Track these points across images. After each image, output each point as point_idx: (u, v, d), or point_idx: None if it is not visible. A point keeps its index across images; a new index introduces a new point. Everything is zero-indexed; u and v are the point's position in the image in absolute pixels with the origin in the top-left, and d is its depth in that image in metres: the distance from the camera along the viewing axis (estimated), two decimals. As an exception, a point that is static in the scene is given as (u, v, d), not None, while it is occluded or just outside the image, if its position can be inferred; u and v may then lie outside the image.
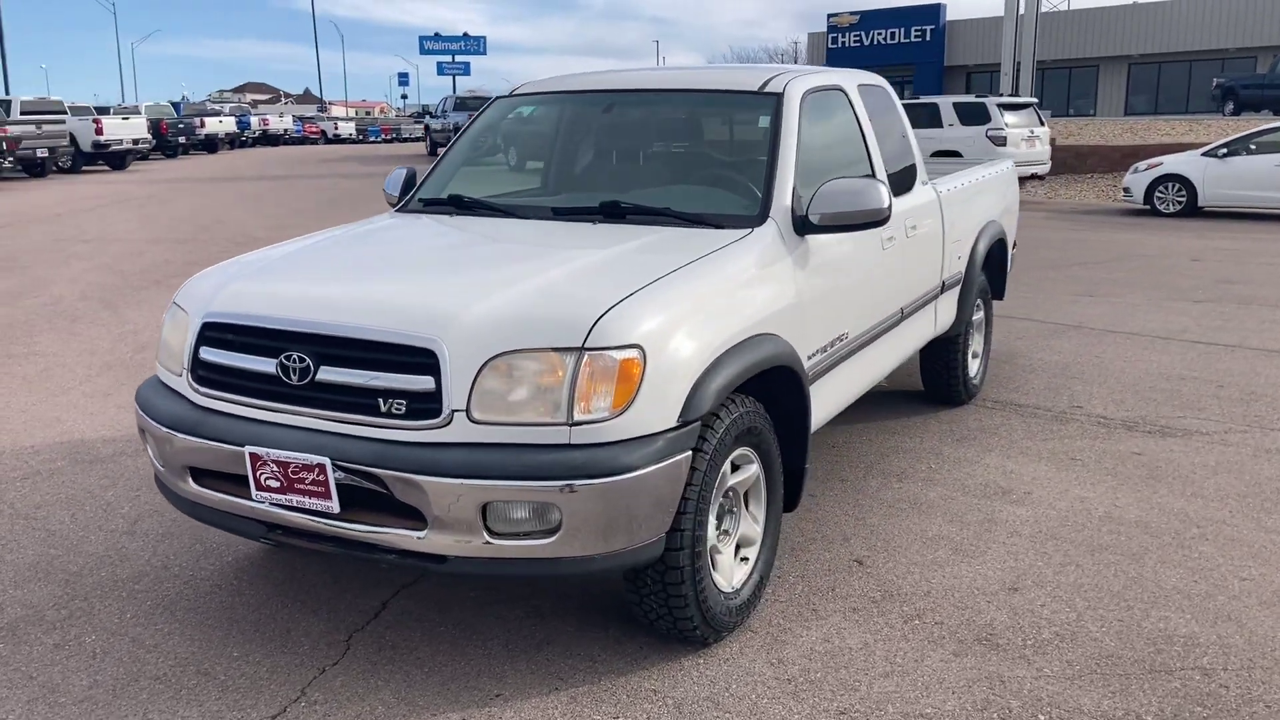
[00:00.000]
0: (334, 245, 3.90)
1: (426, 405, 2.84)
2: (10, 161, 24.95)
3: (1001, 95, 23.77)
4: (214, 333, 3.23)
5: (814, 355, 3.79)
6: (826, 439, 5.36)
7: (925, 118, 19.40)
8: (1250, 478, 4.78)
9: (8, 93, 38.05)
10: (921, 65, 45.38)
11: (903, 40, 46.02)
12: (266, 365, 3.05)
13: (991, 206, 6.18)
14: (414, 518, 2.86)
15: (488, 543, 2.83)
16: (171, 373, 3.40)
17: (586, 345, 2.82)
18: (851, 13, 47.51)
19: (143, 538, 4.22)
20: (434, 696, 3.06)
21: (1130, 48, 42.46)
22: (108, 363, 7.16)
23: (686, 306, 3.09)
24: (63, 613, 3.61)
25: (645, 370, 2.86)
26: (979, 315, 6.18)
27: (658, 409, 2.89)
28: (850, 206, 3.66)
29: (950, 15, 45.78)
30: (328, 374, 2.96)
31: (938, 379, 5.90)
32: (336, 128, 59.46)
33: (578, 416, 2.80)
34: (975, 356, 6.19)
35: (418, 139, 50.65)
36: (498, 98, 4.92)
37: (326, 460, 2.88)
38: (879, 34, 46.39)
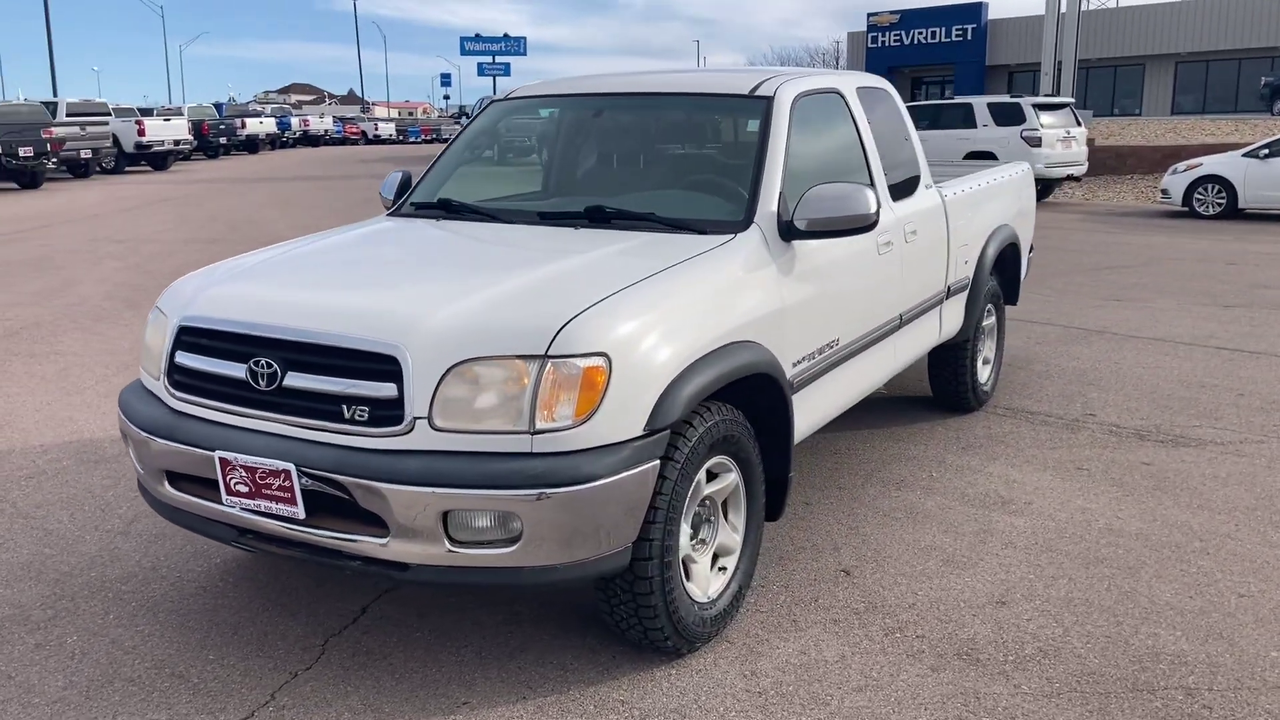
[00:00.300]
0: (317, 250, 3.91)
1: (389, 412, 2.83)
2: (54, 162, 25.18)
3: (1040, 95, 23.42)
4: (189, 337, 3.24)
5: (800, 362, 3.74)
6: (828, 445, 5.30)
7: (959, 119, 19.17)
8: (1261, 490, 4.64)
9: (55, 94, 38.68)
10: (962, 64, 44.92)
11: (943, 40, 45.55)
12: (237, 370, 3.06)
13: (1003, 210, 6.07)
14: (377, 525, 2.86)
15: (450, 551, 2.81)
16: (151, 376, 3.43)
17: (550, 353, 2.80)
18: (891, 12, 47.11)
19: (136, 538, 4.26)
20: (401, 704, 3.05)
21: (1177, 46, 41.68)
22: (125, 363, 7.25)
23: (658, 313, 3.05)
24: (48, 613, 3.65)
25: (610, 378, 2.83)
26: (990, 321, 6.07)
27: (624, 417, 2.86)
28: (836, 212, 3.61)
29: (992, 14, 45.22)
30: (294, 380, 2.96)
31: (946, 385, 5.80)
32: (377, 128, 60.01)
33: (540, 425, 2.78)
34: (986, 363, 6.07)
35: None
36: (492, 101, 4.91)
37: (291, 466, 2.88)
38: (919, 33, 45.95)
